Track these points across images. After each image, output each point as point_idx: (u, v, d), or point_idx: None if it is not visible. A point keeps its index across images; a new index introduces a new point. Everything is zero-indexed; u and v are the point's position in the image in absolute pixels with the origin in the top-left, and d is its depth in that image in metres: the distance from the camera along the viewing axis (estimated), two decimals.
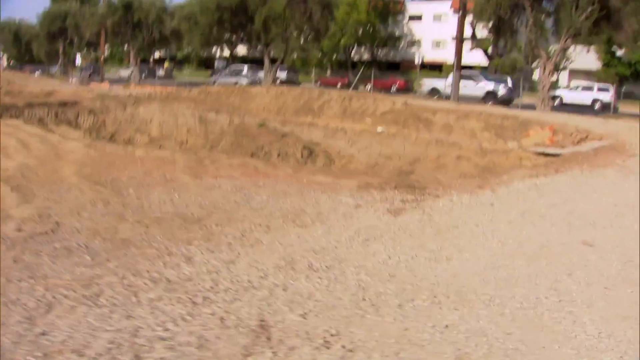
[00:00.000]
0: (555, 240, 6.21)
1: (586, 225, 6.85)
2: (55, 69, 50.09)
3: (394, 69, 52.69)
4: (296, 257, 5.45)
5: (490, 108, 20.23)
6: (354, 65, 45.16)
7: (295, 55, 43.09)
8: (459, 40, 25.75)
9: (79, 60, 44.52)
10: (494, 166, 15.30)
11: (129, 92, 30.47)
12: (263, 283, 4.67)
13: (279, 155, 19.84)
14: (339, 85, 39.43)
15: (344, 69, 48.34)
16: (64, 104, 28.45)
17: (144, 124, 26.97)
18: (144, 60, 61.14)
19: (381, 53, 57.72)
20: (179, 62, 59.20)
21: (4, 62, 60.18)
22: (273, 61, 35.19)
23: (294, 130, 21.65)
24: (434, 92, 34.49)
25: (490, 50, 40.36)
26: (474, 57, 44.79)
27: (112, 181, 8.84)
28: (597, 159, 10.74)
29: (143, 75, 44.96)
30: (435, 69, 46.04)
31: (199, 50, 44.68)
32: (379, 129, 19.34)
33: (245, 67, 45.93)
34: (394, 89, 38.28)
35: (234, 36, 38.21)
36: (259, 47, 35.75)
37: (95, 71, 42.38)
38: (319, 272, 5.08)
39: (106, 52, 54.07)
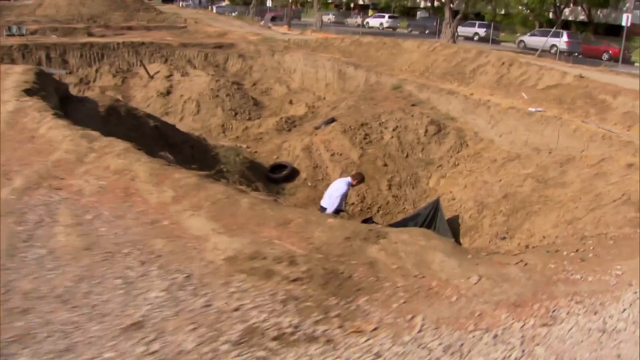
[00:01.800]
0: None
1: None
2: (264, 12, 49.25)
3: (614, 33, 41.11)
4: None
5: None
6: (567, 26, 36.05)
7: (496, 10, 35.74)
8: None
9: (269, 2, 42.44)
10: None
11: (289, 38, 27.20)
12: None
13: (395, 129, 14.94)
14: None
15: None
16: (219, 46, 26.20)
17: (287, 74, 23.55)
18: (349, 7, 57.69)
19: (600, 14, 45.90)
20: (380, 10, 54.46)
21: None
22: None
23: (430, 97, 16.37)
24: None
25: None
26: None
27: None
28: None
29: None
30: None
31: None
32: (532, 108, 13.30)
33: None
34: (605, 57, 29.15)
35: None
36: None
37: (290, 15, 40.00)
38: None
39: None
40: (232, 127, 18.95)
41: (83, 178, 5.39)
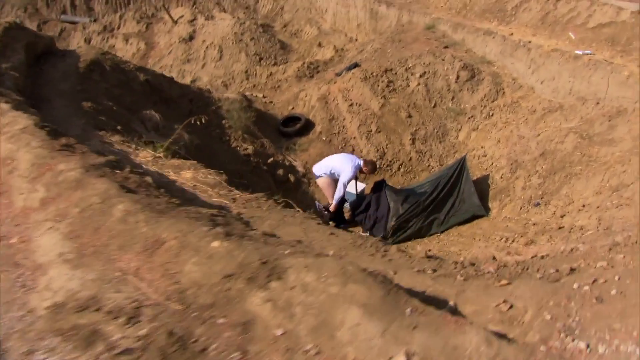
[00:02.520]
0: None
1: None
2: None
3: None
4: None
5: None
6: None
7: None
8: None
9: None
10: None
11: None
12: None
13: (422, 75, 13.12)
14: None
15: None
16: None
17: (319, 14, 21.58)
18: None
19: None
20: None
21: None
22: None
23: (465, 38, 14.37)
24: None
25: None
26: None
27: None
28: None
29: None
30: None
31: None
32: (579, 51, 11.18)
33: None
34: None
35: None
36: None
37: None
38: None
39: None
40: (256, 74, 17.51)
41: None
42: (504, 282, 3.20)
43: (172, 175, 5.32)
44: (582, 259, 3.77)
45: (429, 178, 10.69)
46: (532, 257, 4.14)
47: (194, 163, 5.74)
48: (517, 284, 3.14)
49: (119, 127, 7.25)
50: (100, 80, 9.34)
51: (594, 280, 3.15)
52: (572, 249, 4.16)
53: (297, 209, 4.84)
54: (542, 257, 4.08)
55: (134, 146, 6.15)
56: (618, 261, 3.54)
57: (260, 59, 18.15)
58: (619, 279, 3.14)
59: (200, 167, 5.61)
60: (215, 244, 2.96)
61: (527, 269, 3.70)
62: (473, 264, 3.70)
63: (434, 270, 3.47)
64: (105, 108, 8.22)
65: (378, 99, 12.46)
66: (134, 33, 20.10)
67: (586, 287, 3.07)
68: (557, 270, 3.57)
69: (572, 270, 3.53)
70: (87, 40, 19.96)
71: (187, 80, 17.52)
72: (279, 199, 5.04)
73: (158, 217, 3.26)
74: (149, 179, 4.04)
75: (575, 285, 3.09)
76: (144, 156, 5.82)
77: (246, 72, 17.51)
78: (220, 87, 17.11)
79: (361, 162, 9.14)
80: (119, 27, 20.58)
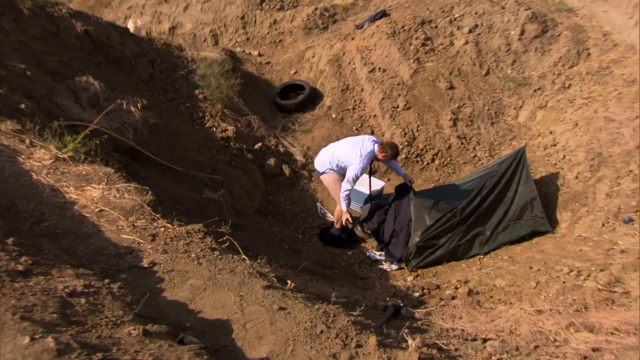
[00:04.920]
0: None
1: None
2: None
3: None
4: None
5: None
6: None
7: None
8: None
9: None
10: None
11: None
12: None
13: (472, 29, 11.98)
14: None
15: None
16: None
17: None
18: None
19: None
20: None
21: None
22: None
23: None
24: None
25: None
26: None
27: None
28: None
29: None
30: None
31: None
32: None
33: None
34: None
35: None
36: None
37: None
38: None
39: None
40: (255, 20, 16.45)
41: None
42: None
43: (71, 193, 4.42)
44: None
45: (473, 175, 9.64)
46: None
47: (110, 172, 4.78)
48: None
49: (22, 106, 6.36)
50: (13, 30, 8.33)
51: None
52: None
53: (243, 256, 3.90)
54: None
55: (28, 140, 5.25)
56: None
57: (262, 0, 17.11)
58: None
59: (118, 180, 4.66)
60: None
61: None
62: None
63: None
64: (13, 73, 7.30)
65: (409, 63, 11.35)
66: None
67: None
68: None
69: None
70: None
71: (164, 27, 16.64)
72: (224, 235, 4.11)
73: None
74: None
75: None
76: (40, 157, 4.91)
77: (242, 18, 16.44)
78: (208, 37, 16.21)
79: (375, 147, 8.14)
80: None
